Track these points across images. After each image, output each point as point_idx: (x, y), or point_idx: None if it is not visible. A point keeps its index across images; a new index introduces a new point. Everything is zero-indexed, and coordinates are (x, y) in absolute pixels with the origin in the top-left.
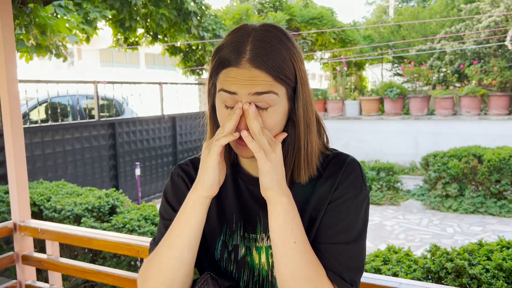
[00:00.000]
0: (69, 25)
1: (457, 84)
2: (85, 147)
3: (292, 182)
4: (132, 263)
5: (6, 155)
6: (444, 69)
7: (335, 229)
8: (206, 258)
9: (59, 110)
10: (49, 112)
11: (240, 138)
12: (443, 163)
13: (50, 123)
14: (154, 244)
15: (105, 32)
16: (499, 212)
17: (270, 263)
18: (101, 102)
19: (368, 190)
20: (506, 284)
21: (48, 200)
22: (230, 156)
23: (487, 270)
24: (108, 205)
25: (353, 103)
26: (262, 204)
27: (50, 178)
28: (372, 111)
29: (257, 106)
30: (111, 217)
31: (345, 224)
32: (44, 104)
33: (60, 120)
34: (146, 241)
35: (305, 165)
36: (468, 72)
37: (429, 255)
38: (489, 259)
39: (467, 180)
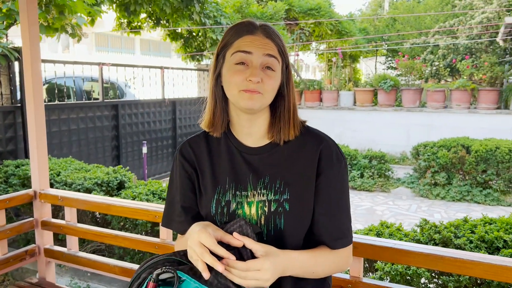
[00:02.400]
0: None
1: (449, 79)
2: (89, 127)
3: (281, 144)
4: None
5: (28, 127)
6: (436, 63)
7: (331, 203)
8: (204, 214)
9: (65, 90)
10: (56, 91)
11: (248, 90)
12: (433, 152)
13: (56, 102)
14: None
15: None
16: (484, 200)
17: (259, 214)
18: (104, 84)
19: (344, 157)
20: (487, 253)
21: (58, 175)
22: (223, 123)
23: (471, 241)
24: (117, 180)
25: (347, 94)
26: (253, 169)
27: (55, 156)
28: (366, 102)
29: (265, 67)
30: (119, 192)
31: (337, 198)
32: (46, 85)
33: (65, 100)
34: (162, 207)
35: (293, 126)
36: (460, 66)
37: (418, 229)
38: (473, 232)
39: (455, 169)
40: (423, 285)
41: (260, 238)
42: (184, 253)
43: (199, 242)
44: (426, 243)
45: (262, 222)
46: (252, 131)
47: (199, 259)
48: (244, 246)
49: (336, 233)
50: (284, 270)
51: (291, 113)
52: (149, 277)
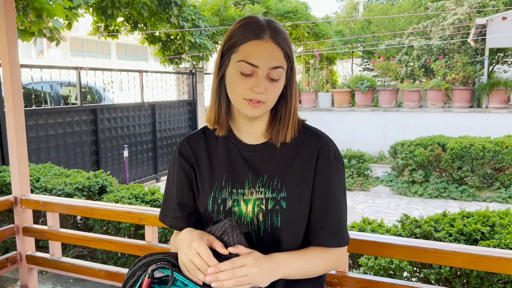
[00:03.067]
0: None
1: (424, 79)
2: (67, 132)
3: (280, 142)
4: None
5: (8, 132)
6: (411, 64)
7: (328, 201)
8: (202, 211)
9: (42, 96)
10: (33, 96)
11: (251, 100)
12: (410, 151)
13: (33, 107)
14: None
15: (78, 20)
16: (460, 196)
17: (256, 211)
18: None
19: (341, 156)
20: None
21: (37, 181)
22: (227, 121)
23: (450, 235)
24: (98, 184)
25: (325, 95)
26: (252, 167)
27: (33, 162)
28: (344, 103)
29: (269, 78)
30: (101, 196)
31: (333, 192)
32: (22, 90)
33: (42, 105)
34: (147, 209)
35: (291, 128)
36: (434, 66)
37: (399, 225)
38: (452, 225)
39: (432, 167)
40: (405, 279)
41: (247, 238)
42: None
43: (197, 252)
44: (408, 237)
45: (260, 219)
46: (252, 129)
47: (197, 269)
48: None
49: (332, 231)
50: (274, 271)
51: (291, 115)
52: (144, 274)
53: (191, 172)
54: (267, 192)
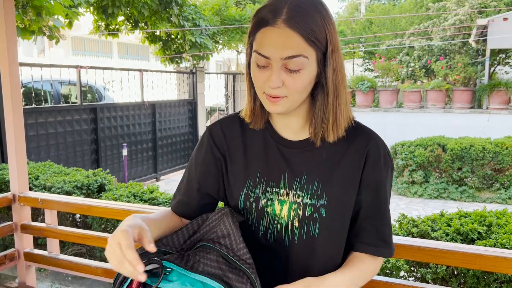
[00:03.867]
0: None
1: (425, 79)
2: (67, 130)
3: (323, 141)
4: None
5: (6, 130)
6: (412, 64)
7: (376, 209)
8: (232, 205)
9: (42, 94)
10: (33, 95)
11: (270, 95)
12: (410, 151)
13: (33, 105)
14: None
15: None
16: (460, 197)
17: (292, 216)
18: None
19: (392, 160)
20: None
21: (37, 179)
22: (264, 114)
23: (447, 234)
24: (97, 183)
25: None
26: (289, 164)
27: (33, 160)
28: None
29: (287, 69)
30: (100, 194)
31: (382, 201)
32: (22, 89)
33: (42, 104)
34: (145, 207)
35: (334, 126)
36: (435, 67)
37: (397, 224)
38: (449, 225)
39: (432, 167)
40: (402, 278)
41: (245, 226)
42: (167, 242)
43: (119, 243)
44: (405, 236)
45: (296, 225)
46: (290, 122)
47: (114, 258)
48: None
49: (380, 240)
50: None
51: (332, 110)
52: None
53: (221, 161)
54: (305, 197)
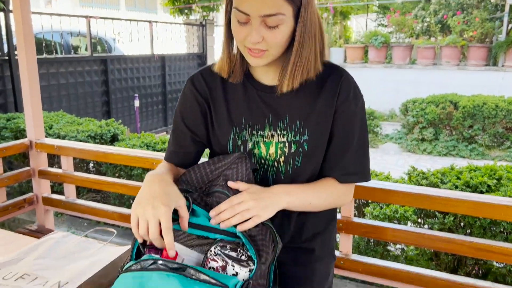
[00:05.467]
0: None
1: (440, 36)
2: (78, 81)
3: (301, 84)
4: None
5: (21, 77)
6: (428, 19)
7: (346, 139)
8: (218, 150)
9: (52, 45)
10: (43, 45)
11: (251, 49)
12: (421, 108)
13: (44, 55)
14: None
15: None
16: (469, 154)
17: (278, 154)
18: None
19: (362, 95)
20: None
21: (50, 128)
22: (243, 65)
23: (456, 186)
24: (110, 133)
25: (338, 51)
26: (271, 109)
27: (46, 110)
28: (357, 59)
29: (267, 25)
30: (113, 144)
31: (352, 132)
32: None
33: (53, 54)
34: (159, 155)
35: (290, 77)
36: (451, 22)
37: (406, 177)
38: (458, 178)
39: (443, 125)
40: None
41: (255, 175)
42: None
43: (159, 220)
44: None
45: (281, 162)
46: (268, 70)
47: (145, 231)
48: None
49: (347, 168)
50: (275, 203)
51: (292, 62)
52: None
53: (205, 106)
54: (290, 136)
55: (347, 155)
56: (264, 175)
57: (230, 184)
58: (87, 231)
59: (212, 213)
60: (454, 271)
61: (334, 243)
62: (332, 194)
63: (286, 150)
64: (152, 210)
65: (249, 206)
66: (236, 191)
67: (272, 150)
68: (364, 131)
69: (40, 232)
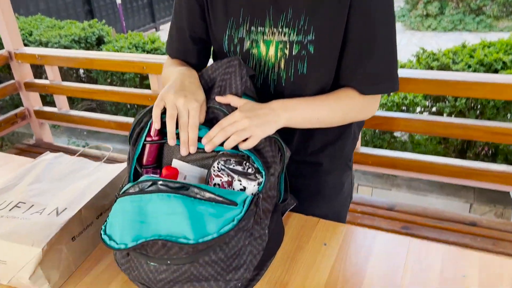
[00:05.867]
0: None
1: None
2: None
3: None
4: None
5: None
6: None
7: (367, 39)
8: (216, 48)
9: None
10: None
11: None
12: None
13: None
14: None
15: None
16: (476, 27)
17: (279, 56)
18: None
19: None
20: None
21: (30, 35)
22: None
23: (469, 66)
24: (94, 35)
25: None
26: (273, 1)
27: (22, 15)
28: None
29: None
30: (99, 47)
31: (376, 33)
32: None
33: None
34: (149, 57)
35: None
36: None
37: (415, 60)
38: (471, 57)
39: None
40: (418, 113)
41: (253, 81)
42: None
43: (188, 111)
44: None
45: (282, 66)
46: None
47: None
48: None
49: (369, 76)
50: (272, 121)
51: None
52: (151, 119)
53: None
54: (291, 34)
55: (369, 59)
56: (265, 81)
57: (219, 99)
58: (81, 149)
59: (204, 140)
60: (463, 152)
61: (349, 154)
62: (349, 108)
63: (287, 52)
64: (184, 100)
65: (243, 126)
66: (234, 107)
67: (272, 50)
68: (390, 26)
69: (38, 146)
